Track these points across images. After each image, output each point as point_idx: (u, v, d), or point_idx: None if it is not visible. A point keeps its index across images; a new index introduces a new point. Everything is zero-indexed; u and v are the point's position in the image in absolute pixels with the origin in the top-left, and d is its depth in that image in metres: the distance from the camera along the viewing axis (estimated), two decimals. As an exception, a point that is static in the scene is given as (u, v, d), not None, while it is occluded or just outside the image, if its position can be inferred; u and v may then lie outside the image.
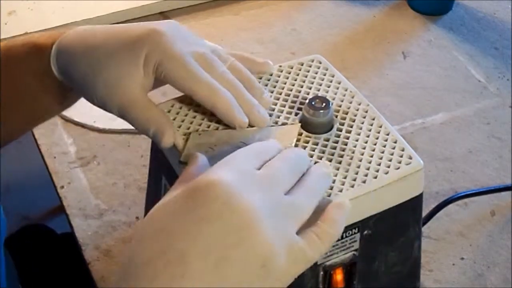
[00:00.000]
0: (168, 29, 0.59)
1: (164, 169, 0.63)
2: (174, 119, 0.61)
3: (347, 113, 0.62)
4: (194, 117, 0.61)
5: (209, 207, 0.47)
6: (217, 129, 0.60)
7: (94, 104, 0.62)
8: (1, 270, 0.63)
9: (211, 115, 0.61)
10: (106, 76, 0.59)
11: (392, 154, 0.58)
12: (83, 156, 0.84)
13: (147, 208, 0.73)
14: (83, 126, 0.87)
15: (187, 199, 0.48)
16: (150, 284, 0.45)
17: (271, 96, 0.63)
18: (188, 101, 0.62)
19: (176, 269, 0.45)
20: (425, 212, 0.73)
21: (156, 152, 0.64)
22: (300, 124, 0.60)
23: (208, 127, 0.60)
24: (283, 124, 0.61)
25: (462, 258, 0.74)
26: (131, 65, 0.58)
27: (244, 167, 0.50)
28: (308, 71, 0.66)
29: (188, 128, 0.60)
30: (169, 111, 0.61)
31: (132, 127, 0.85)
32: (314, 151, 0.58)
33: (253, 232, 0.46)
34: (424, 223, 0.74)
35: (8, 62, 0.65)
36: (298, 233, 0.50)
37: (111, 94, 0.59)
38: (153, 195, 0.69)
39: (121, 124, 0.86)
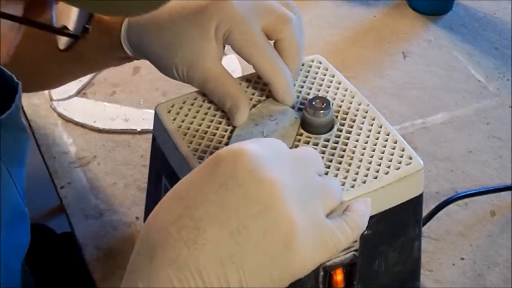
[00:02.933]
0: None
1: (164, 169, 0.63)
2: (174, 120, 0.61)
3: (347, 114, 0.62)
4: (195, 117, 0.61)
5: (232, 175, 0.45)
6: (217, 129, 0.60)
7: (174, 79, 0.63)
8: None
9: (211, 115, 0.61)
10: (183, 56, 0.60)
11: (392, 155, 0.58)
12: (83, 156, 0.84)
13: (147, 208, 0.73)
14: (83, 126, 0.87)
15: (210, 168, 0.46)
16: (162, 249, 0.44)
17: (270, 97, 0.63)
18: (189, 101, 0.62)
19: (189, 235, 0.43)
20: (425, 212, 0.73)
21: (157, 152, 0.64)
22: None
23: (209, 127, 0.60)
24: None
25: (462, 258, 0.74)
26: (205, 40, 0.59)
27: (276, 145, 0.49)
28: (309, 71, 0.66)
29: (188, 128, 0.60)
30: (169, 111, 0.61)
31: (132, 127, 0.86)
32: (314, 151, 0.58)
33: (277, 206, 0.44)
34: (424, 223, 0.74)
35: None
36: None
37: (192, 71, 0.60)
38: (153, 195, 0.69)
39: (121, 124, 0.87)
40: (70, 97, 0.90)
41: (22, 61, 0.66)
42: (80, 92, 0.91)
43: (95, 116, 0.87)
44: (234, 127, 0.60)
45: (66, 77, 0.75)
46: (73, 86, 0.90)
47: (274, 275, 0.44)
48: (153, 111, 0.63)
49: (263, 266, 0.44)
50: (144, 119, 0.87)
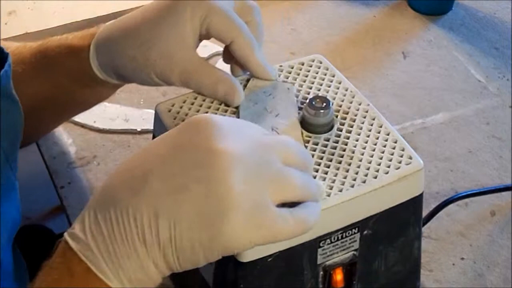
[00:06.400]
0: None
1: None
2: (174, 119, 0.61)
3: (347, 113, 0.62)
4: (195, 116, 0.61)
5: (191, 138, 0.47)
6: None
7: (150, 84, 0.63)
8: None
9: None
10: (159, 49, 0.60)
11: (392, 154, 0.58)
12: (83, 156, 0.84)
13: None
14: (83, 126, 0.87)
15: (178, 129, 0.49)
16: (112, 194, 0.47)
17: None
18: (189, 100, 0.62)
19: (137, 184, 0.46)
20: (425, 212, 0.72)
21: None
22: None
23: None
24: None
25: (462, 258, 0.74)
26: (180, 27, 0.60)
27: (248, 125, 0.51)
28: (309, 71, 0.66)
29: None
30: (169, 111, 0.61)
31: (132, 127, 0.86)
32: (314, 151, 0.58)
33: (222, 176, 0.46)
34: (424, 223, 0.73)
35: (45, 64, 0.67)
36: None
37: (171, 64, 0.60)
38: (153, 195, 0.69)
39: (121, 124, 0.87)
40: (70, 97, 0.90)
41: None
42: (80, 92, 0.91)
43: (95, 116, 0.87)
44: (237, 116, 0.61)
45: (55, 114, 0.74)
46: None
47: (204, 240, 0.46)
48: (153, 111, 0.63)
49: (195, 228, 0.46)
50: (144, 119, 0.87)
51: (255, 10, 0.63)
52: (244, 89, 0.62)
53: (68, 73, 0.67)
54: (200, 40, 0.62)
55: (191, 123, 0.48)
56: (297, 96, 0.63)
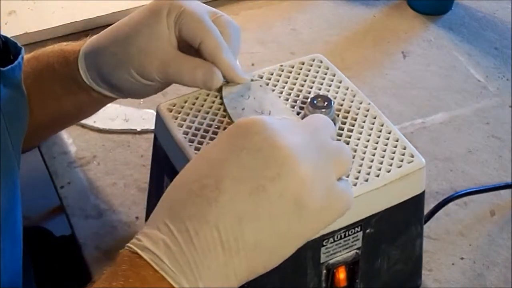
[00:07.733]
0: None
1: (166, 169, 0.63)
2: (176, 119, 0.61)
3: (348, 112, 0.62)
4: (196, 116, 0.61)
5: (251, 139, 0.48)
6: (218, 128, 0.60)
7: (131, 81, 0.64)
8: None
9: (213, 114, 0.61)
10: (138, 44, 0.62)
11: (394, 153, 0.59)
12: (83, 156, 0.83)
13: (148, 208, 0.73)
14: (83, 126, 0.87)
15: (230, 134, 0.49)
16: (182, 204, 0.46)
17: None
18: (190, 100, 0.62)
19: (211, 193, 0.46)
20: (425, 212, 0.72)
21: (158, 151, 0.64)
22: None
23: (210, 126, 0.60)
24: None
25: (462, 258, 0.74)
26: (158, 25, 0.62)
27: (288, 120, 0.52)
28: (309, 70, 0.66)
29: (190, 128, 0.60)
30: (170, 111, 0.61)
31: (132, 127, 0.86)
32: (316, 150, 0.58)
33: (294, 170, 0.47)
34: (424, 223, 0.73)
35: (37, 69, 0.68)
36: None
37: (149, 56, 0.62)
38: (155, 195, 0.69)
39: (121, 124, 0.87)
40: (70, 97, 0.90)
41: None
42: (80, 92, 0.91)
43: (95, 116, 0.87)
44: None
45: (44, 121, 0.73)
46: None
47: (287, 232, 0.47)
48: (153, 111, 0.63)
49: (278, 227, 0.46)
50: (144, 119, 0.87)
51: (230, 25, 0.64)
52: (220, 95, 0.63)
53: (57, 78, 0.68)
54: (181, 45, 0.63)
55: (242, 126, 0.49)
56: (297, 96, 0.63)
